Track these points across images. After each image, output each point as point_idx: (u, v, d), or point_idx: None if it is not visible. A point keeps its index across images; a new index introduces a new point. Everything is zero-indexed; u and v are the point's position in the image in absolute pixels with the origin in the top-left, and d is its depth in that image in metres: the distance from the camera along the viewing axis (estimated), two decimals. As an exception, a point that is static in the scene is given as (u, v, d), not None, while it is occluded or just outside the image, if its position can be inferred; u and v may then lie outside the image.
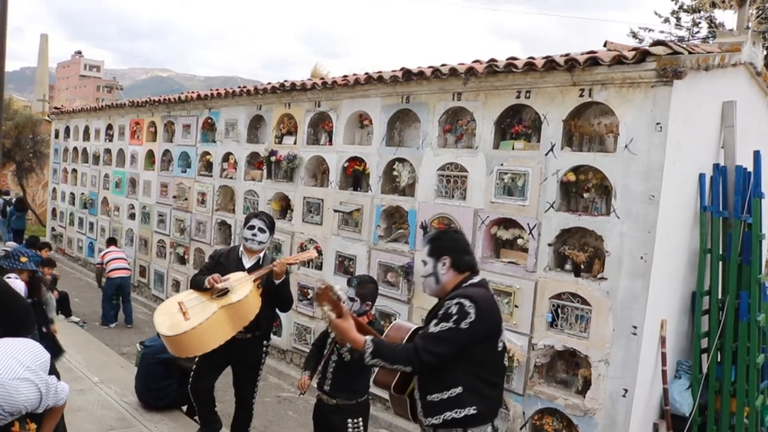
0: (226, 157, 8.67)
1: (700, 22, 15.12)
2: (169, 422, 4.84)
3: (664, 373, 4.90)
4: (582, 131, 5.02)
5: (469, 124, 5.71)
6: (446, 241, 2.79)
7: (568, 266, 4.96)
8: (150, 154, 10.68)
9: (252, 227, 4.31)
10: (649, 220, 4.43)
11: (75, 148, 13.58)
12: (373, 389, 3.76)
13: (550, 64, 4.86)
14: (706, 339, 5.37)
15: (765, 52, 9.34)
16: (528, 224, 5.10)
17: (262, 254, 4.38)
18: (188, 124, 9.55)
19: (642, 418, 4.76)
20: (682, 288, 5.25)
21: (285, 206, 7.75)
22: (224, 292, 4.03)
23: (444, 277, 2.71)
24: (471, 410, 2.55)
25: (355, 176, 6.83)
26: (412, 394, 2.76)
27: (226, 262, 4.33)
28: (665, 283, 4.80)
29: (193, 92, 9.59)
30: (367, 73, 6.46)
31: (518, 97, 5.24)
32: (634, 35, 15.50)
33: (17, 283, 5.10)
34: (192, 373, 4.38)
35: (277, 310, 4.50)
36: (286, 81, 7.62)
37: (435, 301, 2.79)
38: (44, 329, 4.68)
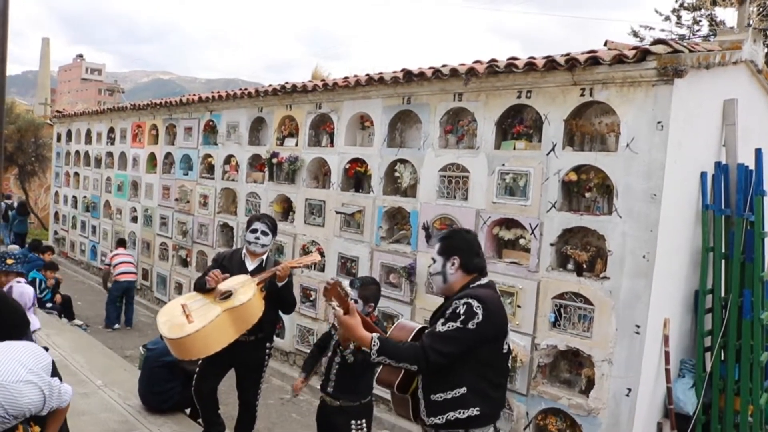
0: (228, 159, 8.68)
1: (700, 20, 15.11)
2: (172, 425, 4.84)
3: (667, 372, 4.89)
4: (583, 131, 5.02)
5: (471, 125, 5.71)
6: (457, 241, 2.77)
7: (570, 266, 4.95)
8: (152, 157, 10.70)
9: (255, 230, 4.32)
10: (651, 219, 4.43)
11: (77, 152, 13.60)
12: (376, 391, 3.77)
13: (551, 63, 4.86)
14: (709, 337, 5.37)
15: (766, 50, 9.33)
16: (530, 224, 5.10)
17: (265, 257, 4.39)
18: (190, 126, 9.57)
19: (646, 417, 4.75)
20: (685, 287, 5.25)
21: (287, 208, 7.76)
22: (227, 295, 4.03)
23: (452, 277, 2.71)
24: (474, 411, 2.55)
25: (356, 177, 6.83)
26: (415, 394, 2.75)
27: (229, 264, 4.34)
28: (668, 281, 4.79)
29: (194, 95, 9.59)
30: (367, 75, 6.46)
31: (519, 97, 5.24)
32: (635, 34, 15.49)
33: (25, 287, 5.12)
34: (195, 375, 4.39)
35: (280, 312, 4.51)
36: (287, 83, 7.63)
37: (438, 302, 2.79)
38: None
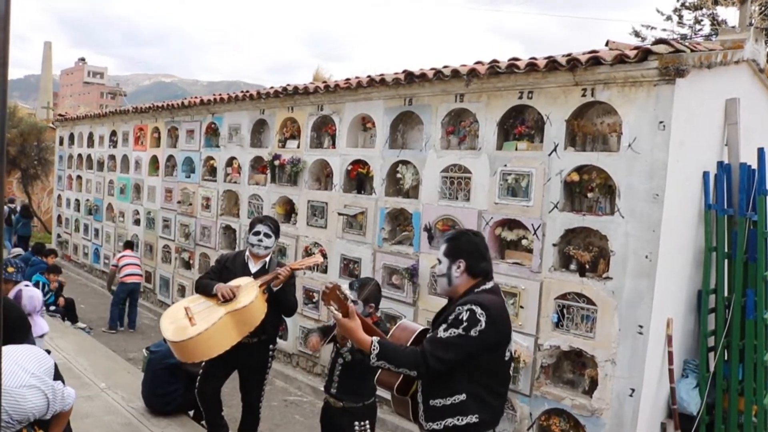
0: (230, 161, 8.69)
1: (702, 20, 15.11)
2: (176, 427, 4.84)
3: (671, 372, 4.88)
4: (585, 131, 5.02)
5: (472, 126, 5.71)
6: (464, 243, 2.71)
7: (573, 266, 4.95)
8: (154, 160, 10.72)
9: (257, 233, 4.32)
10: (654, 219, 4.42)
11: (79, 155, 13.63)
12: (380, 392, 3.76)
13: (552, 64, 4.86)
14: (712, 337, 5.35)
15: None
16: (532, 225, 5.10)
17: (268, 259, 4.40)
18: (192, 129, 9.58)
19: (649, 417, 4.74)
20: (688, 286, 5.24)
21: (289, 210, 7.76)
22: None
23: (457, 280, 2.66)
24: (473, 418, 2.51)
25: (358, 179, 6.84)
26: (415, 396, 2.74)
27: (232, 266, 4.35)
28: (671, 281, 4.78)
29: (196, 97, 9.61)
30: (369, 76, 6.46)
31: (521, 97, 5.24)
32: (637, 34, 15.49)
33: (34, 291, 5.13)
34: (198, 377, 4.40)
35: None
36: (288, 85, 7.63)
37: (441, 303, 2.77)
38: None
